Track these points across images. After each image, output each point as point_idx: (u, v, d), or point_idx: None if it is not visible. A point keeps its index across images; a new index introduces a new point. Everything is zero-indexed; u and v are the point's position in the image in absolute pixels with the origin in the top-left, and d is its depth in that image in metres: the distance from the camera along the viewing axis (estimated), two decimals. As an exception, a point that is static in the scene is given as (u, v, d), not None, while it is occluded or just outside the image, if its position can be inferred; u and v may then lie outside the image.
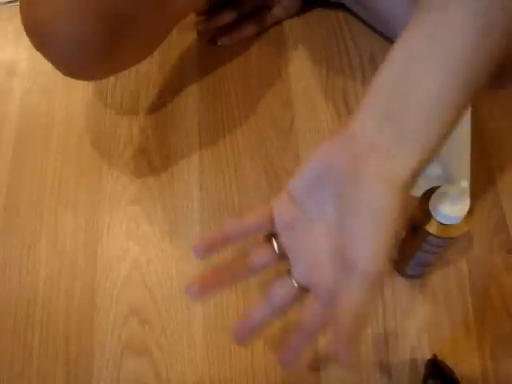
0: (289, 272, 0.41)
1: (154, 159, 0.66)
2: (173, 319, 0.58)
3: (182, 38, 0.75)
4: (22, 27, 0.76)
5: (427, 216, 0.50)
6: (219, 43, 0.73)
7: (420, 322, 0.58)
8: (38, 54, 0.75)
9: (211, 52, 0.74)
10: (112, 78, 0.72)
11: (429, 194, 0.50)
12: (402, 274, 0.60)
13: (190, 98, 0.71)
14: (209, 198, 0.64)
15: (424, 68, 0.36)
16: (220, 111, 0.70)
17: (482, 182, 0.65)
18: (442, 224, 0.49)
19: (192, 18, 0.76)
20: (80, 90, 0.71)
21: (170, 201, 0.64)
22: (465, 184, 0.47)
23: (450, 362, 0.55)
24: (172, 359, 0.57)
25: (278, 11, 0.75)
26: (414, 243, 0.53)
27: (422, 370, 0.55)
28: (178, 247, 0.62)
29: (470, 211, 0.49)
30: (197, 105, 0.70)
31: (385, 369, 0.56)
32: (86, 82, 0.71)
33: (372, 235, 0.36)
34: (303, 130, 0.69)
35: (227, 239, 0.42)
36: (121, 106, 0.70)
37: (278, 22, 0.76)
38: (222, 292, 0.59)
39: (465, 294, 0.59)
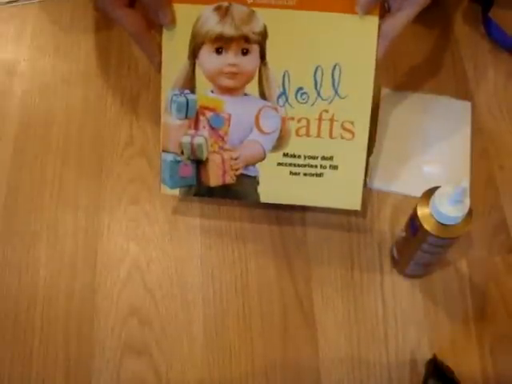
0: None
1: (153, 159, 0.66)
2: (173, 319, 0.58)
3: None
4: (22, 27, 0.76)
5: (427, 216, 0.50)
6: None
7: (420, 322, 0.58)
8: (38, 54, 0.75)
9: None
10: (112, 79, 0.72)
11: (429, 194, 0.50)
12: (402, 273, 0.60)
13: (190, 98, 0.71)
14: (209, 198, 0.64)
15: None
16: (220, 111, 0.70)
17: (482, 182, 0.65)
18: (442, 224, 0.49)
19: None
20: (80, 90, 0.71)
21: (170, 200, 0.64)
22: (465, 184, 0.47)
23: (450, 362, 0.55)
24: (172, 359, 0.57)
25: None
26: (414, 243, 0.53)
27: (422, 370, 0.56)
28: (178, 247, 0.62)
29: (470, 211, 0.49)
30: (197, 105, 0.70)
31: (385, 369, 0.56)
32: (86, 82, 0.71)
33: None
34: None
35: None
36: (121, 105, 0.70)
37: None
38: (223, 292, 0.60)
39: (465, 294, 0.59)
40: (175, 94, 0.58)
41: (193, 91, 0.58)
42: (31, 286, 0.60)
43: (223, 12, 0.54)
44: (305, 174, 0.59)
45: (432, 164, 0.65)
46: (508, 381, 0.56)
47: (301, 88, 0.57)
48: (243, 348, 0.57)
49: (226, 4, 0.54)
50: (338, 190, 0.60)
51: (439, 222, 0.49)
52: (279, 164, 0.59)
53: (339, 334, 0.58)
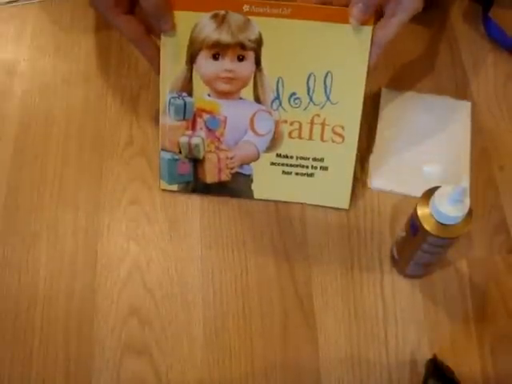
0: None
1: (153, 159, 0.66)
2: (173, 319, 0.58)
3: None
4: (22, 27, 0.76)
5: (427, 216, 0.50)
6: None
7: (420, 322, 0.58)
8: (38, 54, 0.75)
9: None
10: (112, 79, 0.72)
11: (429, 193, 0.50)
12: (402, 273, 0.60)
13: (190, 98, 0.71)
14: (209, 197, 0.64)
15: None
16: (220, 111, 0.70)
17: (482, 182, 0.65)
18: (442, 224, 0.49)
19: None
20: (80, 90, 0.71)
21: (170, 200, 0.64)
22: (465, 184, 0.47)
23: (450, 362, 0.55)
24: (172, 359, 0.57)
25: None
26: (414, 243, 0.53)
27: (422, 370, 0.56)
28: (178, 247, 0.62)
29: (470, 211, 0.49)
30: (197, 105, 0.70)
31: (385, 369, 0.56)
32: (86, 82, 0.71)
33: None
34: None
35: None
36: (121, 105, 0.70)
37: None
38: (223, 292, 0.60)
39: (465, 294, 0.59)
40: (173, 97, 0.59)
41: (190, 94, 0.59)
42: (31, 286, 0.60)
43: (220, 20, 0.56)
44: (296, 174, 0.62)
45: (432, 164, 0.65)
46: (508, 381, 0.56)
47: (294, 93, 0.58)
48: (243, 348, 0.57)
49: (222, 12, 0.55)
50: (328, 190, 0.62)
51: (439, 222, 0.49)
52: (272, 164, 0.62)
53: (339, 333, 0.58)
